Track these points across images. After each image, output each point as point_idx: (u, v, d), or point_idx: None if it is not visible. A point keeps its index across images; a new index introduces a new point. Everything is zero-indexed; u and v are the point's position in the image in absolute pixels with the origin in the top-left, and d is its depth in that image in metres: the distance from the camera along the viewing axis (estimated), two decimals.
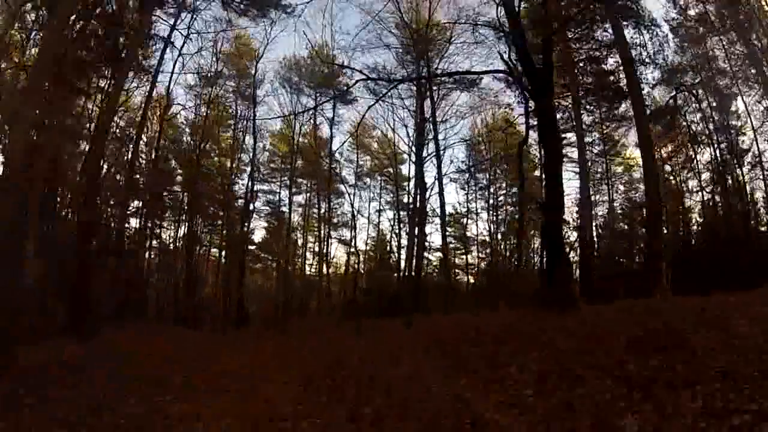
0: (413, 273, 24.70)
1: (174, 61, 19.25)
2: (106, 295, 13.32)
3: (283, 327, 16.10)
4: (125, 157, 20.37)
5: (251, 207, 23.94)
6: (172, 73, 20.06)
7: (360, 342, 9.95)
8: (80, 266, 10.93)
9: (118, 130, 19.42)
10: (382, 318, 16.27)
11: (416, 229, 24.96)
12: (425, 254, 25.16)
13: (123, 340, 9.97)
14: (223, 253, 25.72)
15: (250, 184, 23.66)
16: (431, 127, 23.19)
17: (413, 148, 24.96)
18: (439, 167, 21.93)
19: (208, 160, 24.80)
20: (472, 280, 28.40)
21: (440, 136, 23.46)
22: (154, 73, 17.43)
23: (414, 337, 9.51)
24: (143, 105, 17.50)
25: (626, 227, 23.19)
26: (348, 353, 8.24)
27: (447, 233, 26.79)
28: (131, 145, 20.44)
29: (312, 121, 26.84)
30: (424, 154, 23.88)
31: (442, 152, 22.81)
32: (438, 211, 24.03)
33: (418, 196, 24.16)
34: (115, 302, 13.61)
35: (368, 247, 29.74)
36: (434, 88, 22.88)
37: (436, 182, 22.99)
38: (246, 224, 23.24)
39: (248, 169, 24.61)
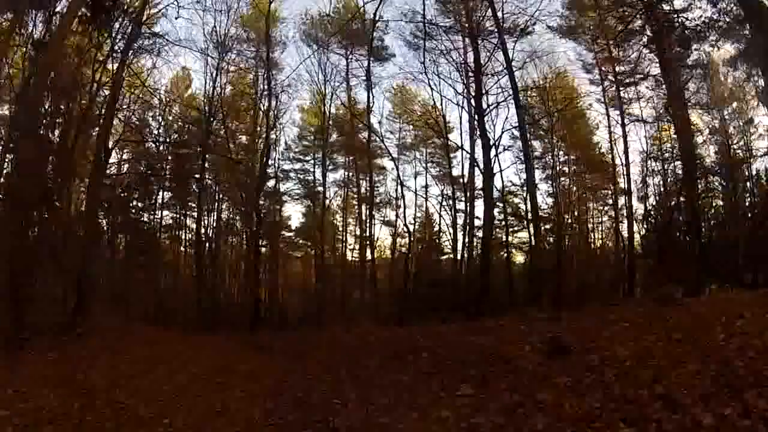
0: (474, 255, 20.94)
1: None
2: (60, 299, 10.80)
3: (316, 331, 12.94)
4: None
5: (264, 185, 20.70)
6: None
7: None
8: (12, 260, 8.24)
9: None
10: (448, 321, 12.69)
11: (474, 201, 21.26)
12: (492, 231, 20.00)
13: (47, 364, 7.20)
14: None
15: (264, 159, 20.06)
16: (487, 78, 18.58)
17: (466, 101, 20.93)
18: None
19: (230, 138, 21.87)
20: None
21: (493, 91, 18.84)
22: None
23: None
24: (119, 63, 14.36)
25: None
26: None
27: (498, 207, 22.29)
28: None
29: (345, 82, 23.17)
30: (484, 105, 18.64)
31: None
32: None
33: (481, 156, 18.17)
34: (72, 307, 10.95)
35: (415, 228, 25.99)
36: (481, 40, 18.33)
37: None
38: (258, 206, 19.78)
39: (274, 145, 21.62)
